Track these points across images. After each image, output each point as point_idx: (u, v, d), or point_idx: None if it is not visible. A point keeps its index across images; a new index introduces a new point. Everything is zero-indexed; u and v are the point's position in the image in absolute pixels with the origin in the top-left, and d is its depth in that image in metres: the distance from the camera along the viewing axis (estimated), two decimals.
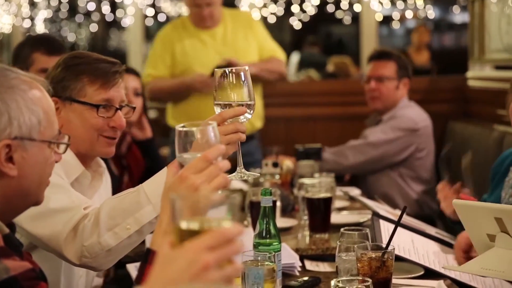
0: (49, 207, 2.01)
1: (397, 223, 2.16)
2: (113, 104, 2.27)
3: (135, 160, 3.65)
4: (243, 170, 2.01)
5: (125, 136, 3.61)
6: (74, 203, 2.08)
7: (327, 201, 2.85)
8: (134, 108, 2.37)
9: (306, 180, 3.12)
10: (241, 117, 1.93)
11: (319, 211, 2.83)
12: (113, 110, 2.26)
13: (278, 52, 4.71)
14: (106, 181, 2.47)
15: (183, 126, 1.56)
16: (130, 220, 1.95)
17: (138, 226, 1.96)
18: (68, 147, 1.70)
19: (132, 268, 2.35)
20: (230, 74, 1.94)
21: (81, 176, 2.27)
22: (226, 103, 1.94)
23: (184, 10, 9.67)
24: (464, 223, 2.12)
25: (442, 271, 2.29)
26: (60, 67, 2.26)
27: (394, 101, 4.16)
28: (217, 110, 1.95)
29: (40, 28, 9.32)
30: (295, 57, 9.44)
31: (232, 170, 1.79)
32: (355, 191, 3.74)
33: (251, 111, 1.95)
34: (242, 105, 1.94)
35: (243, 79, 1.94)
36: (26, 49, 3.28)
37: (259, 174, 2.14)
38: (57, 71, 2.26)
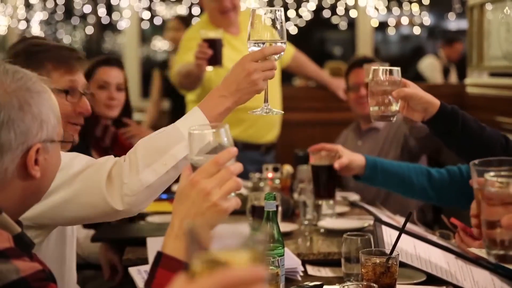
0: (74, 171, 2.01)
1: (402, 229, 2.16)
2: (78, 88, 2.27)
3: (123, 151, 3.62)
4: (269, 106, 2.15)
5: (107, 129, 3.59)
6: (95, 159, 2.09)
7: (331, 169, 2.97)
8: (90, 94, 2.36)
9: (310, 153, 3.16)
10: (276, 56, 2.07)
11: (324, 178, 2.95)
12: (78, 95, 2.26)
13: (292, 48, 4.87)
14: None
15: (196, 129, 1.55)
16: (166, 156, 1.97)
17: (174, 161, 1.98)
18: (73, 144, 1.72)
19: (135, 272, 2.33)
20: (267, 14, 2.05)
21: None
22: (263, 41, 2.07)
23: (180, 13, 9.67)
24: None
25: (444, 277, 2.29)
26: (21, 57, 2.21)
27: None
28: (254, 48, 2.08)
29: (36, 30, 9.29)
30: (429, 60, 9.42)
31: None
32: (354, 197, 3.74)
33: (285, 48, 2.09)
34: (277, 44, 2.07)
35: (279, 19, 2.06)
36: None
37: (283, 112, 2.26)
38: (17, 60, 2.16)
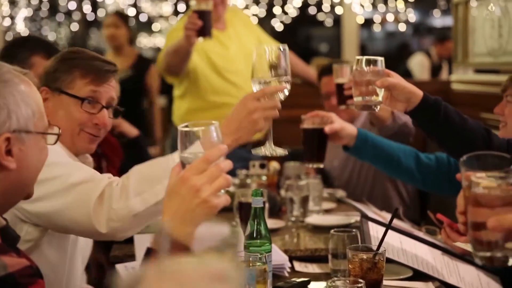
0: (71, 181, 2.01)
1: (388, 225, 2.17)
2: (100, 101, 2.27)
3: (111, 147, 3.61)
4: (273, 146, 2.10)
5: None
6: (96, 174, 2.09)
7: (322, 132, 2.95)
8: (122, 111, 2.37)
9: (302, 117, 3.13)
10: (280, 94, 2.03)
11: (314, 141, 2.94)
12: (99, 107, 2.26)
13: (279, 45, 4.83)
14: None
15: (186, 126, 1.56)
16: (159, 186, 1.96)
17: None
18: (59, 138, 1.70)
19: (122, 268, 2.33)
20: (270, 52, 2.00)
21: None
22: (266, 80, 2.02)
23: (165, 10, 9.66)
24: None
25: (430, 273, 2.31)
26: (56, 60, 2.28)
27: None
28: (256, 87, 2.03)
29: (21, 27, 9.25)
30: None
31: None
32: (340, 193, 3.75)
33: (289, 87, 2.03)
34: (281, 82, 2.02)
35: (283, 57, 2.01)
36: (25, 51, 3.18)
37: (287, 152, 2.22)
38: (51, 63, 2.29)
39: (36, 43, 3.22)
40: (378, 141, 3.08)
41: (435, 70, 9.06)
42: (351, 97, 2.61)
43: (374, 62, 2.38)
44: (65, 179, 1.99)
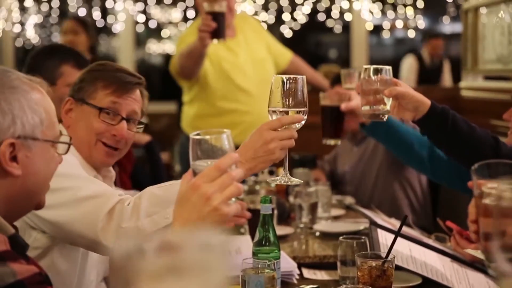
0: (81, 195, 2.01)
1: (397, 232, 2.16)
2: (120, 112, 2.27)
3: (124, 155, 3.62)
4: (288, 175, 2.08)
5: None
6: (107, 190, 2.09)
7: (338, 110, 3.00)
8: (145, 125, 2.37)
9: (321, 95, 3.15)
10: (297, 124, 2.00)
11: (332, 118, 2.98)
12: (118, 119, 2.26)
13: (289, 52, 4.81)
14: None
15: (198, 134, 1.55)
16: (169, 210, 1.94)
17: None
18: (70, 147, 1.71)
19: None
20: (288, 81, 1.99)
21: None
22: (282, 109, 1.99)
23: (174, 17, 9.68)
24: None
25: (440, 280, 2.29)
26: (84, 72, 2.32)
27: None
28: (273, 116, 2.01)
29: (30, 33, 9.28)
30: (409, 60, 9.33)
31: None
32: (349, 200, 3.74)
33: (305, 118, 2.01)
34: (298, 112, 1.99)
35: (300, 87, 1.99)
36: (54, 59, 3.15)
37: (302, 182, 2.20)
38: (82, 75, 2.32)
39: (66, 52, 3.20)
40: (394, 123, 3.07)
41: (432, 72, 8.92)
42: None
43: (382, 71, 2.38)
44: (74, 192, 2.00)
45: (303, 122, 2.02)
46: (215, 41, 3.88)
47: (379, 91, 2.36)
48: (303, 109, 2.01)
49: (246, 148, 2.03)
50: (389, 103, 2.38)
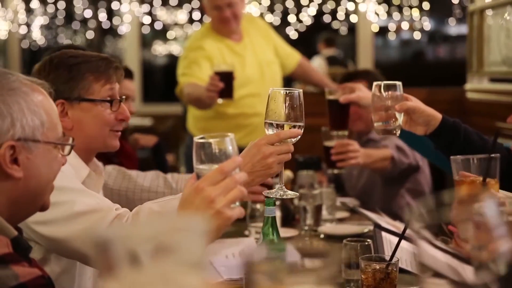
0: (77, 210, 1.99)
1: (402, 235, 2.16)
2: (117, 97, 2.30)
3: (126, 156, 3.62)
4: (284, 188, 2.08)
5: None
6: (103, 204, 2.06)
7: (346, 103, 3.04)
8: (123, 99, 2.38)
9: (327, 90, 3.22)
10: (293, 138, 2.02)
11: (337, 110, 3.04)
12: (118, 103, 2.29)
13: (297, 55, 4.83)
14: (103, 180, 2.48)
15: (202, 138, 1.55)
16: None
17: None
18: (73, 148, 1.70)
19: None
20: (286, 95, 1.99)
21: (87, 177, 2.27)
22: (279, 123, 2.00)
23: (180, 18, 9.69)
24: None
25: (446, 273, 2.29)
26: (61, 68, 2.24)
27: None
28: (269, 128, 2.02)
29: (36, 35, 9.31)
30: (317, 61, 9.35)
31: None
32: (353, 202, 3.73)
33: (301, 132, 2.03)
34: (295, 126, 2.01)
35: (297, 101, 2.00)
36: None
37: (298, 194, 2.21)
38: (58, 72, 2.24)
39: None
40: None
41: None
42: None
43: (393, 87, 2.41)
44: (70, 207, 1.96)
45: (299, 137, 2.03)
46: (220, 100, 3.96)
47: (390, 107, 2.39)
48: (299, 123, 2.02)
49: (243, 161, 2.01)
50: (400, 118, 2.41)
